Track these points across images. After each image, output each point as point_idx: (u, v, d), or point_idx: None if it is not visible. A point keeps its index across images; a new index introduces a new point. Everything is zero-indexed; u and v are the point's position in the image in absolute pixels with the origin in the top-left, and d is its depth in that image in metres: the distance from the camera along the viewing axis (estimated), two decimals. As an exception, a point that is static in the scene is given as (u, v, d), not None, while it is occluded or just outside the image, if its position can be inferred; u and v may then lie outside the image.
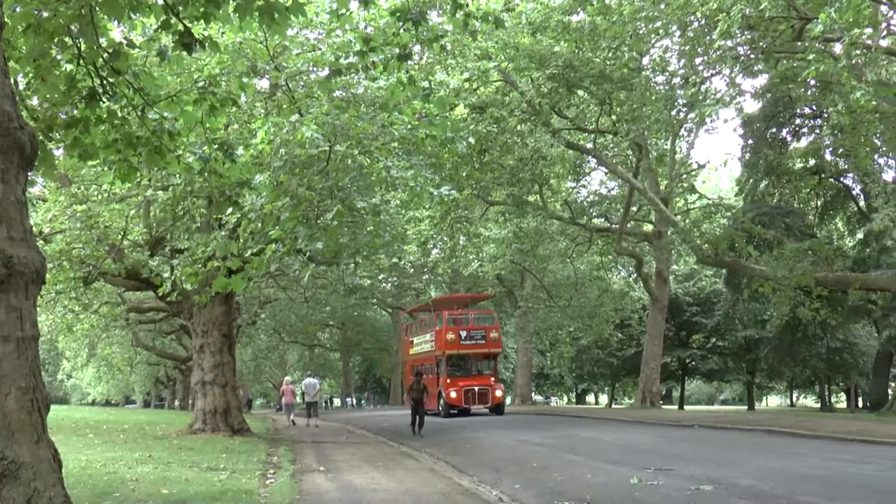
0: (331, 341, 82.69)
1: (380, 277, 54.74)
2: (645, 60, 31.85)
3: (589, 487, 13.85)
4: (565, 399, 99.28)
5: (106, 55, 9.21)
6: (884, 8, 25.05)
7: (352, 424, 38.78)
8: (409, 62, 11.40)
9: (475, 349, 41.96)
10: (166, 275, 19.08)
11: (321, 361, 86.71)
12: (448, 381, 40.68)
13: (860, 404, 59.33)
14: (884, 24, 27.23)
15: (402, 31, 10.22)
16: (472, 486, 14.77)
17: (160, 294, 24.34)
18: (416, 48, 17.26)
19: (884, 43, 28.01)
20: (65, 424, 29.37)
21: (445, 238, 41.78)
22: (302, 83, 19.81)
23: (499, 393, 41.26)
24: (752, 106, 31.65)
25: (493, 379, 41.62)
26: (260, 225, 16.10)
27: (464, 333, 41.51)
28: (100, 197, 24.21)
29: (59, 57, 9.26)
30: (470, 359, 42.21)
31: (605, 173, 47.04)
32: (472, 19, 10.37)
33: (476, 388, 40.31)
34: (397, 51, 10.68)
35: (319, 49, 18.88)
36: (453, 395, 39.89)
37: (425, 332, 46.06)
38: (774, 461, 15.80)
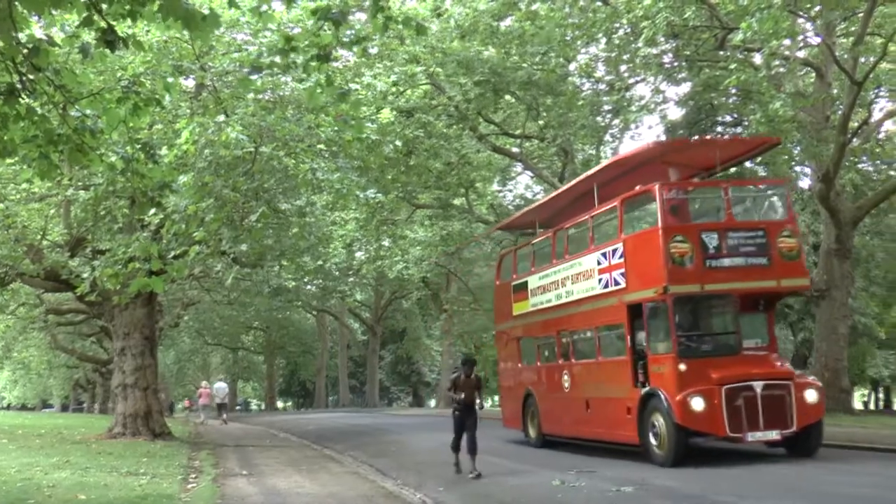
0: (255, 344, 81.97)
1: (304, 280, 54.41)
2: (572, 66, 32.20)
3: (512, 490, 13.96)
4: (489, 402, 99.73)
5: (25, 51, 9.01)
6: (801, 20, 25.69)
7: (275, 428, 38.48)
8: (336, 64, 11.37)
9: (749, 280, 17.04)
10: (86, 275, 18.76)
11: (245, 364, 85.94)
12: (681, 368, 16.17)
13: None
14: (801, 36, 27.99)
15: (323, 31, 10.18)
16: (395, 489, 14.78)
17: (79, 295, 23.92)
18: (342, 51, 17.24)
19: (800, 54, 28.79)
20: (-22, 429, 28.68)
21: (371, 240, 41.60)
22: (228, 83, 19.65)
23: (812, 395, 16.54)
24: (675, 113, 32.35)
25: (777, 358, 17.88)
26: (184, 226, 15.95)
27: (712, 239, 16.85)
28: (18, 196, 23.72)
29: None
30: (729, 308, 17.34)
31: (531, 178, 47.44)
32: (394, 23, 10.37)
33: (757, 387, 16.07)
34: (319, 52, 10.64)
35: (246, 49, 18.75)
36: (697, 404, 15.84)
37: (574, 253, 20.39)
38: (690, 462, 16.03)
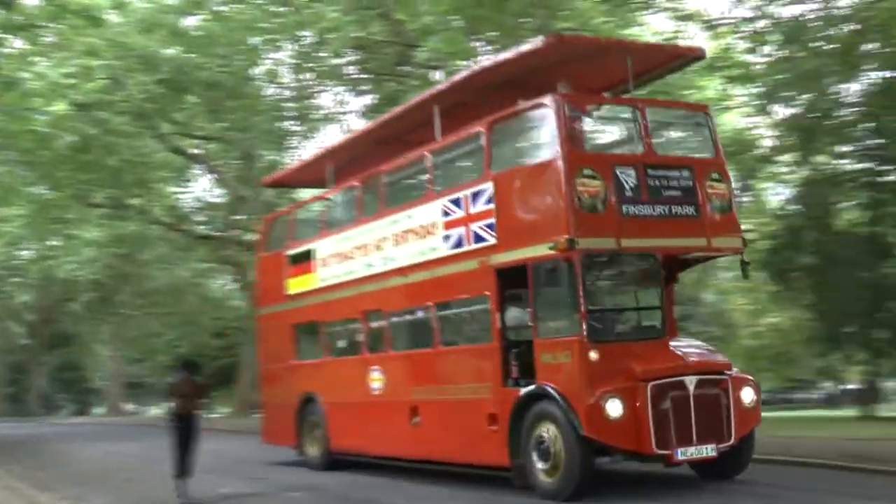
0: None
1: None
2: (257, 70, 32.19)
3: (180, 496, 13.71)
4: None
5: None
6: (478, 43, 27.10)
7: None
8: (5, 50, 10.81)
9: (675, 236, 12.07)
10: None
11: None
12: (592, 356, 10.91)
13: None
14: (480, 58, 29.64)
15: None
16: (52, 503, 14.10)
17: None
18: (12, 37, 16.27)
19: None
20: None
21: (38, 239, 39.53)
22: None
23: (749, 395, 11.69)
24: (361, 123, 32.97)
25: (701, 346, 13.03)
26: None
27: (629, 178, 11.69)
28: None
29: None
30: (652, 273, 12.08)
31: (212, 180, 46.78)
32: (67, 13, 10.02)
33: (690, 384, 11.09)
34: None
35: None
36: (614, 409, 10.68)
37: (398, 204, 14.95)
38: (373, 468, 16.23)
